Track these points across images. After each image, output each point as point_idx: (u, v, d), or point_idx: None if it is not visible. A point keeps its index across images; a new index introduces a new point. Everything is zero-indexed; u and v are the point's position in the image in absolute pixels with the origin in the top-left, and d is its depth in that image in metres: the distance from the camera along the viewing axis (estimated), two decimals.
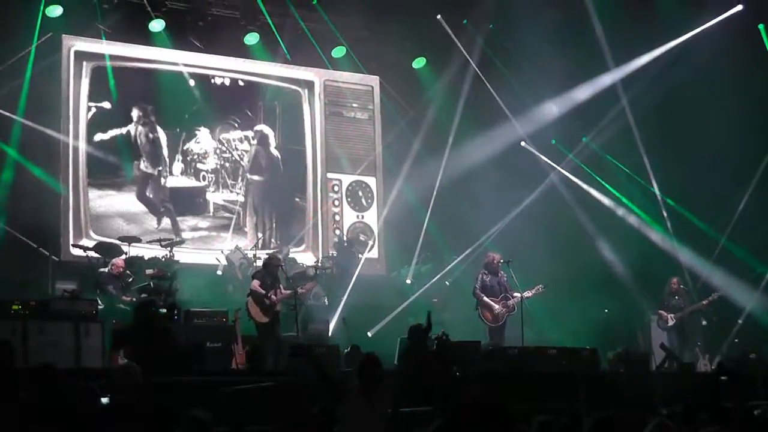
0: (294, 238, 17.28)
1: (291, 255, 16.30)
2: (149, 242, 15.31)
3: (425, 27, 17.60)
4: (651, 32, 16.93)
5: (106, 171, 16.28)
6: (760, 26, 16.86)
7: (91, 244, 14.97)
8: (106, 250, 14.44)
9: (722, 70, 15.71)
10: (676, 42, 17.14)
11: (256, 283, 13.11)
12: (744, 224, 16.40)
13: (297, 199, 17.91)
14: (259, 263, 15.71)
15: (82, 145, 15.96)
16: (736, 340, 15.43)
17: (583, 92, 17.60)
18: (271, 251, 15.43)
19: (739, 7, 16.59)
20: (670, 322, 14.78)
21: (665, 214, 17.42)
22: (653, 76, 16.84)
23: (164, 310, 12.04)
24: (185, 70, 16.92)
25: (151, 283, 13.55)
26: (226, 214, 17.23)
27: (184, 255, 15.46)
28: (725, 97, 15.73)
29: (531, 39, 16.27)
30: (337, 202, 18.14)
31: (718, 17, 16.73)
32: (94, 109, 16.14)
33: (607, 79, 17.42)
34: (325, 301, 15.47)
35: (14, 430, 5.96)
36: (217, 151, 17.38)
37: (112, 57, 16.30)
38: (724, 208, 16.54)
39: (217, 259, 16.05)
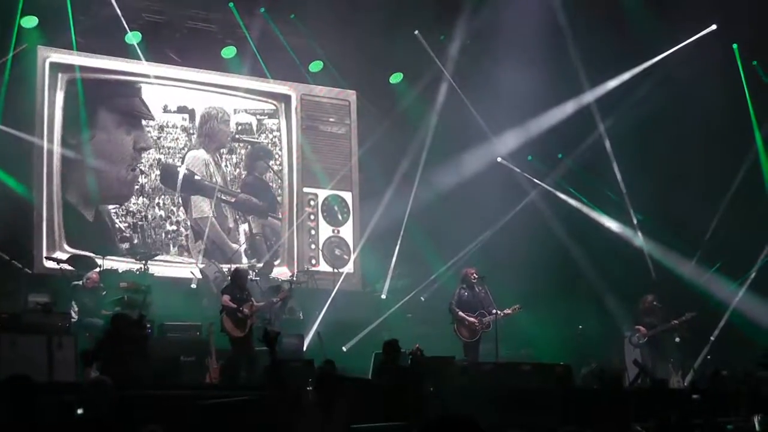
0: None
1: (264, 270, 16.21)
2: (123, 255, 15.21)
3: (403, 42, 17.65)
4: (625, 53, 17.08)
5: None
6: (734, 46, 17.05)
7: (64, 256, 14.85)
8: (80, 263, 14.34)
9: (696, 89, 15.86)
10: (651, 62, 17.32)
11: (226, 298, 12.99)
12: (715, 243, 16.56)
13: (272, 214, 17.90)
14: None
15: (57, 155, 15.85)
16: (708, 357, 15.52)
17: (559, 111, 17.73)
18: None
19: (713, 27, 16.80)
20: (642, 339, 14.82)
21: (639, 232, 17.58)
22: (628, 96, 16.99)
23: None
24: (160, 83, 16.88)
25: (125, 297, 13.45)
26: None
27: (158, 268, 15.38)
28: (699, 116, 15.91)
29: (508, 56, 16.39)
30: (312, 217, 18.11)
31: (692, 37, 16.94)
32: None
33: (582, 99, 17.58)
34: (300, 315, 15.44)
35: None
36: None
37: (87, 69, 16.23)
38: (696, 228, 16.69)
39: (191, 272, 15.98)
